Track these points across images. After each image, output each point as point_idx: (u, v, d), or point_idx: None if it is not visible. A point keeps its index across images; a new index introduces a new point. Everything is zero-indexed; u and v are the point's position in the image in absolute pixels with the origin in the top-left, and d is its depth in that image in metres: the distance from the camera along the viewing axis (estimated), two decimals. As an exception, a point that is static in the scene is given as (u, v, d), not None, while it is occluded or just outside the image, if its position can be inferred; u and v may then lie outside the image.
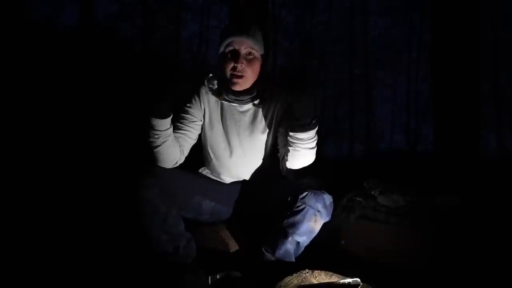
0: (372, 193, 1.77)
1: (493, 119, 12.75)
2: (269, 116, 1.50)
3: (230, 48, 1.40)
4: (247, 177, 1.57)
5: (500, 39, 12.84)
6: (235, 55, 1.39)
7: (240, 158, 1.53)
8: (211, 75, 1.53)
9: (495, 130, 12.91)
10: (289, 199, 1.36)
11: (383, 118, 16.40)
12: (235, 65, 1.38)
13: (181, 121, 1.51)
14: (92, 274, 1.33)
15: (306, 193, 1.32)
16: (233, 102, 1.49)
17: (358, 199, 1.79)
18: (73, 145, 2.80)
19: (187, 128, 1.51)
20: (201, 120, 1.55)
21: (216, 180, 1.59)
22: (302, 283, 1.06)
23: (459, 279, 1.39)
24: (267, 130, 1.51)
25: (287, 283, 1.07)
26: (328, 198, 1.35)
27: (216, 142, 1.54)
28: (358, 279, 1.06)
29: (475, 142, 4.51)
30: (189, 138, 1.52)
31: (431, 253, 1.52)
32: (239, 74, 1.39)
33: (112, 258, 1.42)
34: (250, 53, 1.41)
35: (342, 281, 1.06)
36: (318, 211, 1.32)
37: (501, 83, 12.97)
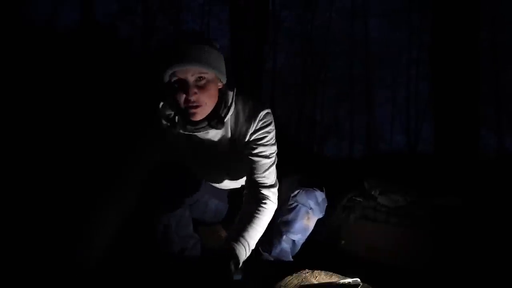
0: (372, 193, 1.77)
1: (493, 119, 12.76)
2: (236, 136, 1.32)
3: (175, 78, 1.17)
4: (235, 186, 1.49)
5: (500, 39, 12.84)
6: (184, 86, 1.16)
7: (216, 180, 1.44)
8: (162, 103, 1.30)
9: (495, 130, 12.90)
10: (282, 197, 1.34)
11: (383, 118, 16.41)
12: (187, 97, 1.16)
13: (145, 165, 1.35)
14: (97, 273, 1.33)
15: (297, 191, 1.33)
16: (193, 132, 1.27)
17: (358, 199, 1.79)
18: (73, 145, 2.80)
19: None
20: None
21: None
22: (302, 283, 1.06)
23: (459, 279, 1.39)
24: (236, 150, 1.33)
25: (287, 283, 1.07)
26: (320, 195, 1.35)
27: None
28: (358, 279, 1.06)
29: (475, 142, 4.51)
30: None
31: (431, 253, 1.52)
32: (195, 104, 1.18)
33: (116, 258, 1.42)
34: (200, 78, 1.17)
35: (342, 281, 1.06)
36: (311, 208, 1.32)
37: (501, 83, 12.97)
